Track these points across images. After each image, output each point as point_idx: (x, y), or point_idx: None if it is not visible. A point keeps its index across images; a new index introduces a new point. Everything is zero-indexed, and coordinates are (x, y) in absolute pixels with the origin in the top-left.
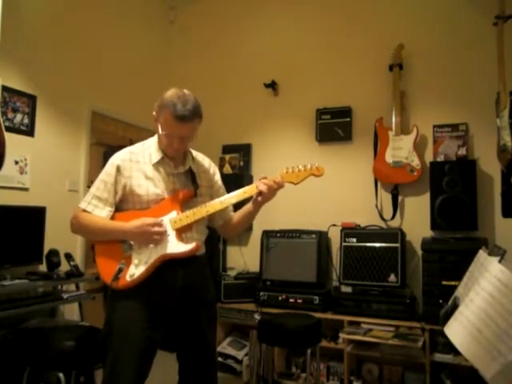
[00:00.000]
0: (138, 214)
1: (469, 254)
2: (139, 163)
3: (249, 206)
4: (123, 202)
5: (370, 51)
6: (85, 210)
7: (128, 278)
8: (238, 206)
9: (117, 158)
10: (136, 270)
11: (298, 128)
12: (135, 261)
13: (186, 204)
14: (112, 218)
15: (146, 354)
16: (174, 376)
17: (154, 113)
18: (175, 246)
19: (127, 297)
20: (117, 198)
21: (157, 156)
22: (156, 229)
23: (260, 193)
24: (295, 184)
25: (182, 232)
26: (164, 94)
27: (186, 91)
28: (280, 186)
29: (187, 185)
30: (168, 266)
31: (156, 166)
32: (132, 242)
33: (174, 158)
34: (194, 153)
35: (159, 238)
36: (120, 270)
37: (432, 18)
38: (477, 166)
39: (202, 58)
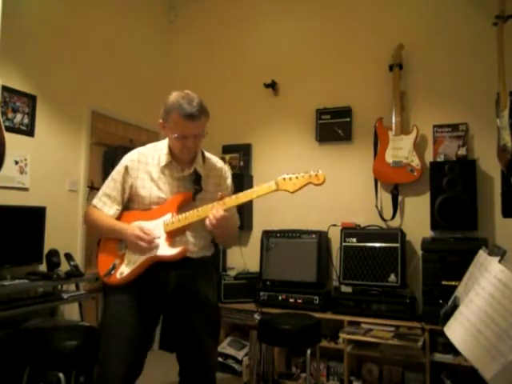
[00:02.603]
0: (138, 214)
1: (469, 254)
2: (147, 164)
3: None
4: (130, 202)
5: (370, 51)
6: (95, 206)
7: (118, 276)
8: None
9: (126, 159)
10: (125, 269)
11: (298, 128)
12: (126, 260)
13: (186, 207)
14: (119, 216)
15: (136, 349)
16: (174, 375)
17: (161, 120)
18: (163, 249)
19: (119, 292)
20: (125, 196)
21: (165, 159)
22: (142, 244)
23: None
24: (291, 192)
25: (175, 235)
26: (167, 99)
27: (187, 91)
28: (223, 218)
29: (191, 188)
30: (160, 267)
31: (163, 168)
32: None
33: (182, 162)
34: (208, 155)
35: (146, 249)
36: (113, 267)
37: (432, 18)
38: (477, 166)
39: (201, 58)
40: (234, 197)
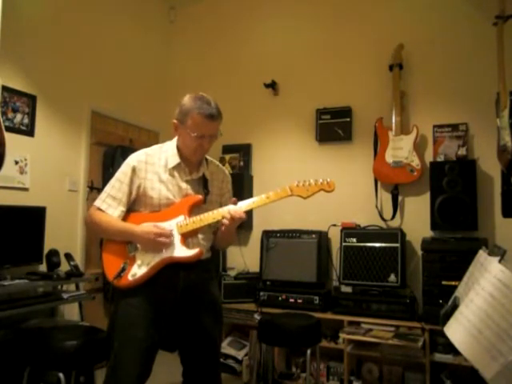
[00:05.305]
0: (148, 216)
1: (469, 254)
2: (154, 165)
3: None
4: (136, 203)
5: (370, 51)
6: (99, 209)
7: (130, 278)
8: None
9: (133, 159)
10: (138, 270)
11: (297, 128)
12: (138, 261)
13: (195, 210)
14: (124, 218)
15: (148, 351)
16: (177, 376)
17: (175, 121)
18: (179, 251)
19: (130, 295)
20: (131, 198)
21: (173, 161)
22: (162, 239)
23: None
24: (304, 198)
25: (188, 237)
26: (182, 101)
27: (201, 93)
28: (241, 218)
29: (199, 191)
30: (170, 268)
31: (171, 170)
32: (138, 245)
33: (190, 164)
34: (209, 159)
35: (164, 246)
36: (123, 269)
37: (432, 18)
38: (477, 165)
39: (201, 57)
40: (250, 201)
